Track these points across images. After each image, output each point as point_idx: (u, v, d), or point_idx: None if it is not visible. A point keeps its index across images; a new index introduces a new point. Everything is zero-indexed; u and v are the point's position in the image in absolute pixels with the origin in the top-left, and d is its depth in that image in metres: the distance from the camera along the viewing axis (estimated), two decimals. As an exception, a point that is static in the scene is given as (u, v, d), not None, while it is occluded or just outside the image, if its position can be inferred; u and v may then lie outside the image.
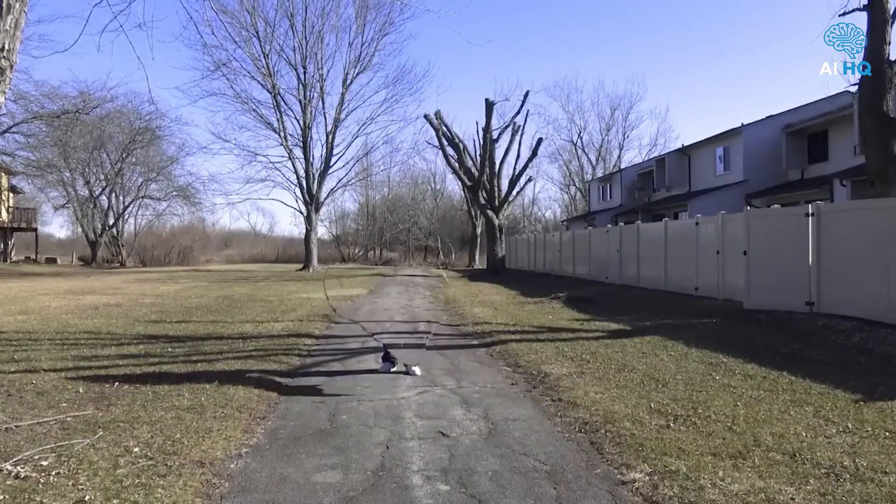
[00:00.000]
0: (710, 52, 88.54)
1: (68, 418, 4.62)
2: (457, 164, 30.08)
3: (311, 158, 34.55)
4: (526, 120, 34.08)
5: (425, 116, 28.81)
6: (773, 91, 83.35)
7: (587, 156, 57.56)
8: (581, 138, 57.94)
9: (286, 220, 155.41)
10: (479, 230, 41.40)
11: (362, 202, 59.62)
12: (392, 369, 6.54)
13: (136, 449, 3.96)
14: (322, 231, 51.63)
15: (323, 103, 34.67)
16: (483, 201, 29.74)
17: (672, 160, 29.76)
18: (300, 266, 35.84)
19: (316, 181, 34.75)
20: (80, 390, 5.51)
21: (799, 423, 4.56)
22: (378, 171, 48.96)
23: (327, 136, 34.56)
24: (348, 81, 34.05)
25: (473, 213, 41.75)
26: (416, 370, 6.40)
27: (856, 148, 17.51)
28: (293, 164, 34.25)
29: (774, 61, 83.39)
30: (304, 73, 33.54)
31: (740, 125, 24.64)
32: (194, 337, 8.81)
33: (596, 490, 3.45)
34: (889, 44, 10.26)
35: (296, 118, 34.29)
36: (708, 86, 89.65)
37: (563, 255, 24.91)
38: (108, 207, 47.11)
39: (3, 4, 3.62)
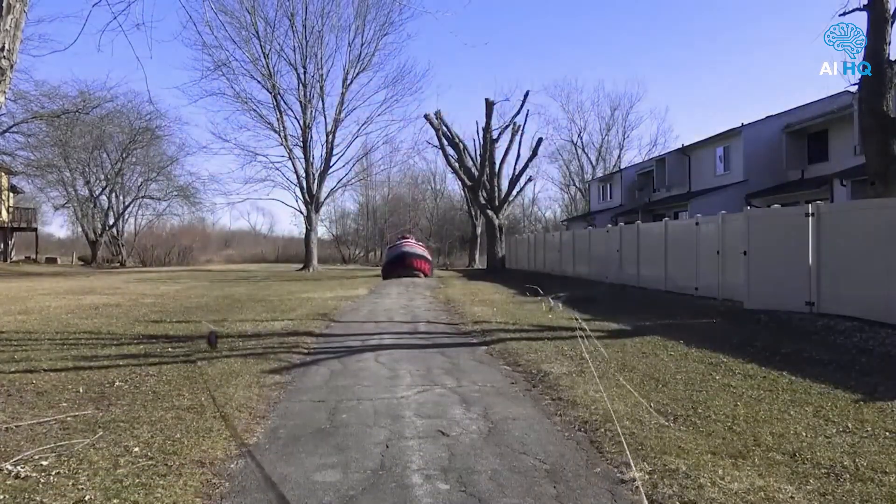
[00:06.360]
0: (709, 52, 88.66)
1: (68, 418, 4.62)
2: (457, 164, 30.09)
3: (311, 158, 34.60)
4: (526, 120, 34.21)
5: (425, 116, 28.84)
6: (773, 91, 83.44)
7: (587, 156, 57.61)
8: (581, 138, 58.01)
9: (286, 220, 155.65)
10: (479, 230, 41.41)
11: (362, 202, 59.71)
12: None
13: (137, 449, 3.96)
14: (322, 231, 51.73)
15: (323, 103, 34.74)
16: (483, 201, 29.75)
17: (672, 160, 29.75)
18: (300, 266, 35.86)
19: (316, 181, 34.78)
20: (80, 390, 5.52)
21: (799, 422, 4.56)
22: (378, 171, 49.03)
23: (327, 136, 34.61)
24: (348, 81, 34.11)
25: (473, 213, 41.76)
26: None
27: (856, 148, 17.51)
28: (293, 164, 34.30)
29: (774, 61, 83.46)
30: (304, 73, 33.61)
31: (740, 125, 24.62)
32: (194, 337, 8.81)
33: (596, 489, 3.45)
34: (889, 44, 10.26)
35: (296, 118, 34.36)
36: (708, 86, 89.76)
37: (563, 254, 24.90)
38: (108, 207, 47.14)
39: (4, 4, 3.62)
